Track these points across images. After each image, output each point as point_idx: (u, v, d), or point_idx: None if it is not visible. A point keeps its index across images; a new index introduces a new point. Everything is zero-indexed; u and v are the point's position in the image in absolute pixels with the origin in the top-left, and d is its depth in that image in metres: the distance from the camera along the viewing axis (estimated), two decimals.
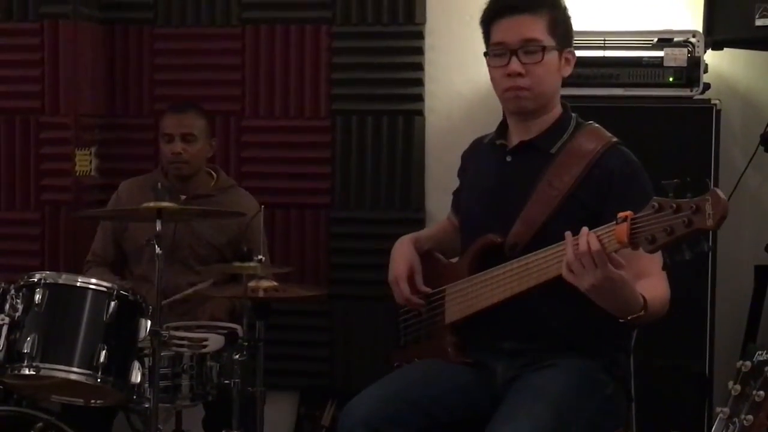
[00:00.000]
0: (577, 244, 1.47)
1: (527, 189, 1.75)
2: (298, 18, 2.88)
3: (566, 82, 1.79)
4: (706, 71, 2.38)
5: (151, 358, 2.13)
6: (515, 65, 1.66)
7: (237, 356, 2.29)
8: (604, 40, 2.44)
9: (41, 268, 2.52)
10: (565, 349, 1.73)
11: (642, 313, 1.52)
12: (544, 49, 1.67)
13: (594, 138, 1.73)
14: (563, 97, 1.80)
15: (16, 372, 2.09)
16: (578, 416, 1.64)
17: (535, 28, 1.68)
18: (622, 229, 1.39)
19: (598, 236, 1.45)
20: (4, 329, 2.07)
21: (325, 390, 2.96)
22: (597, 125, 1.78)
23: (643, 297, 1.52)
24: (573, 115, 1.80)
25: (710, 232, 1.35)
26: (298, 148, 2.91)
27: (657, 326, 1.66)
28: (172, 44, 2.96)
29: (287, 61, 2.88)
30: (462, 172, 2.06)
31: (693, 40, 2.41)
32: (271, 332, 2.42)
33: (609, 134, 1.74)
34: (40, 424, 2.27)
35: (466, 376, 1.89)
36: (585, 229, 1.47)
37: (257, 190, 2.74)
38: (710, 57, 2.43)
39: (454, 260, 2.03)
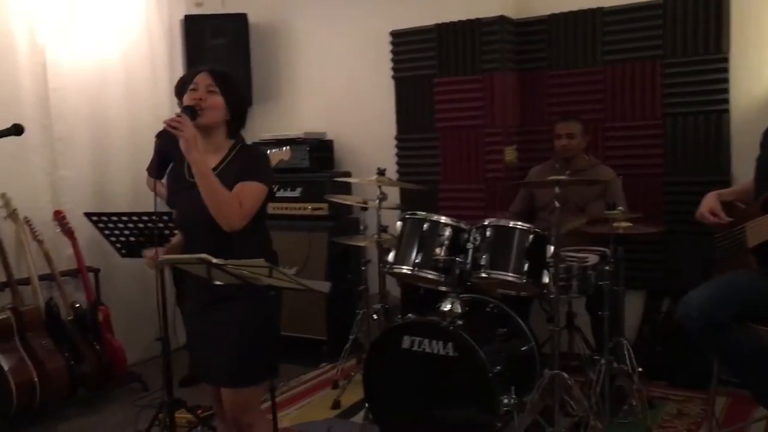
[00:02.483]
0: None
1: None
2: (638, 57, 4.02)
3: None
4: None
5: (553, 268, 2.92)
6: None
7: (606, 267, 3.16)
8: None
9: (484, 217, 3.30)
10: None
11: None
12: None
13: None
14: None
15: (476, 275, 3.04)
16: None
17: None
18: None
19: None
20: (471, 251, 3.08)
21: (662, 290, 4.04)
22: None
23: None
24: None
25: None
26: (638, 138, 4.08)
27: None
28: (559, 80, 4.27)
29: (633, 84, 4.06)
30: (763, 144, 2.70)
31: None
32: (630, 254, 3.40)
33: None
34: (491, 306, 3.25)
35: (765, 282, 2.50)
36: None
37: (615, 166, 3.89)
38: None
39: (750, 204, 2.69)
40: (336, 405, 3.70)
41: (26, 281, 3.83)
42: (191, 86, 2.33)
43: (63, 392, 3.78)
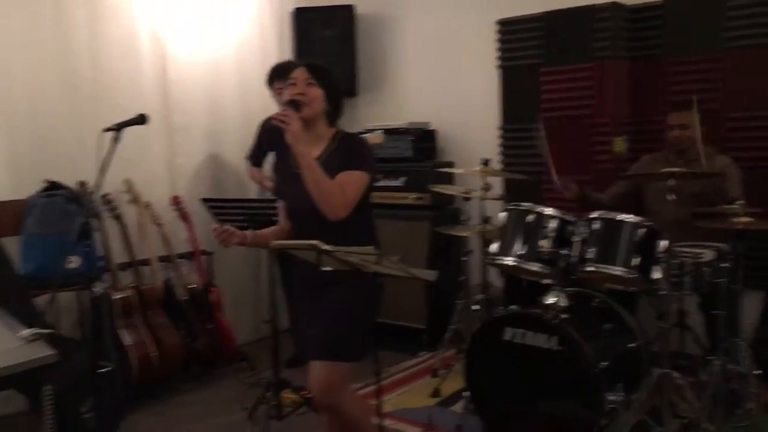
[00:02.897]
0: None
1: None
2: (762, 43, 3.77)
3: None
4: None
5: (665, 264, 2.85)
6: None
7: (723, 264, 3.02)
8: None
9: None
10: None
11: None
12: None
13: None
14: None
15: (582, 268, 3.01)
16: None
17: None
18: None
19: None
20: (577, 244, 3.04)
21: None
22: None
23: None
24: None
25: None
26: (761, 130, 3.83)
27: None
28: (674, 68, 4.07)
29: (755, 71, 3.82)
30: None
31: None
32: (748, 251, 3.17)
33: None
34: (597, 300, 3.19)
35: None
36: None
37: (735, 158, 3.65)
38: None
39: None
40: (435, 393, 3.73)
41: (146, 262, 4.07)
42: (290, 81, 2.44)
43: (178, 367, 4.00)
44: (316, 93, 2.41)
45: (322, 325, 2.39)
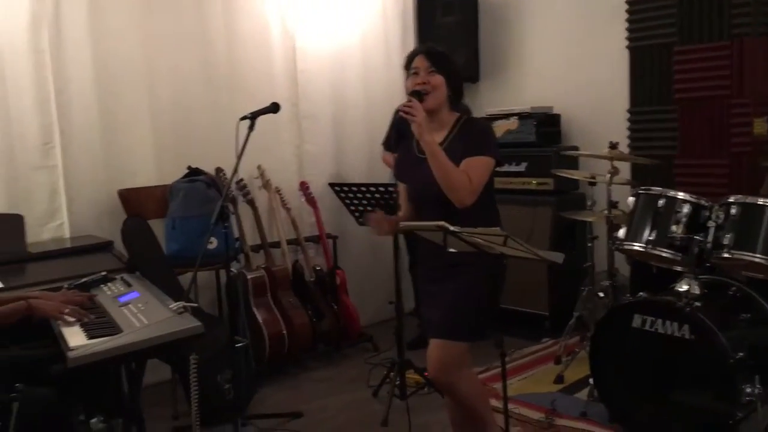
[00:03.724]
0: None
1: None
2: None
3: None
4: None
5: None
6: None
7: None
8: None
9: (728, 194, 3.02)
10: None
11: None
12: None
13: None
14: None
15: (718, 255, 2.88)
16: None
17: None
18: None
19: None
20: (712, 230, 2.92)
21: None
22: None
23: None
24: None
25: None
26: None
27: None
28: None
29: None
30: None
31: None
32: None
33: None
34: (733, 289, 3.01)
35: None
36: None
37: None
38: None
39: None
40: (559, 380, 3.69)
41: (276, 244, 4.28)
42: (412, 71, 2.47)
43: (306, 345, 4.19)
44: (438, 80, 2.43)
45: (442, 305, 2.43)
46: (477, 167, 2.37)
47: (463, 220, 2.16)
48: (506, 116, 4.65)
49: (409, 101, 2.37)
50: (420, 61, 2.46)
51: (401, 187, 2.67)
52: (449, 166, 2.33)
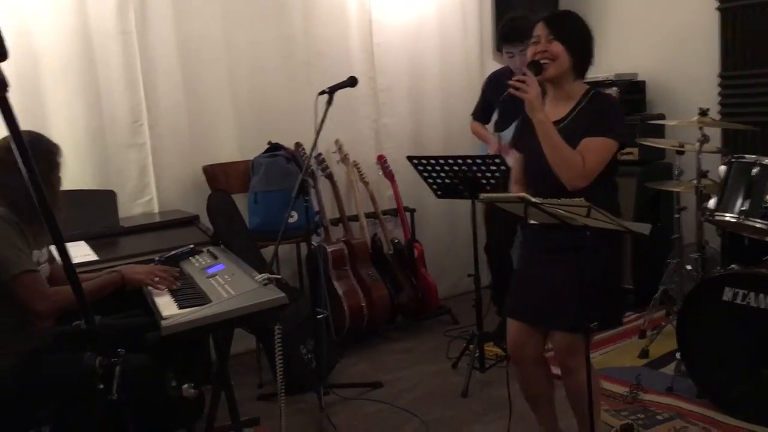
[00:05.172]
0: None
1: None
2: None
3: None
4: None
5: None
6: None
7: None
8: None
9: None
10: None
11: None
12: None
13: None
14: None
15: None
16: None
17: None
18: None
19: None
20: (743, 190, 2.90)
21: None
22: None
23: None
24: None
25: None
26: None
27: None
28: None
29: None
30: None
31: None
32: None
33: None
34: None
35: None
36: None
37: None
38: None
39: None
40: (644, 354, 3.60)
41: (355, 218, 4.33)
42: (533, 39, 2.34)
43: (385, 317, 4.24)
44: (558, 49, 2.28)
45: (559, 296, 2.27)
46: (595, 149, 2.22)
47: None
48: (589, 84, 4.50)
49: (524, 74, 2.25)
50: (540, 29, 2.32)
51: (516, 159, 2.52)
52: (561, 146, 2.20)
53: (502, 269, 3.97)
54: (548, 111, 2.29)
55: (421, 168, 3.48)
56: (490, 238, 4.10)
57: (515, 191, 2.41)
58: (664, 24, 4.60)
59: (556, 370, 2.54)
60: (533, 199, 1.96)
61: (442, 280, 4.76)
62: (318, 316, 3.31)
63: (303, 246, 3.99)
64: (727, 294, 2.82)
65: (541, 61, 2.29)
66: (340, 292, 4.03)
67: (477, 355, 3.53)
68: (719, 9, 4.32)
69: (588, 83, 2.43)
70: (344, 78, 3.12)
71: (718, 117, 4.33)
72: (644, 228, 1.93)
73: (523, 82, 2.22)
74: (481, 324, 3.54)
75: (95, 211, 3.28)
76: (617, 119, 2.33)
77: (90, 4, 3.57)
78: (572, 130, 2.25)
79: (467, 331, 3.80)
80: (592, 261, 2.12)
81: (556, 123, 2.30)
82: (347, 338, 4.04)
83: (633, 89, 4.59)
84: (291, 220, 3.47)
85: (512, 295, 2.52)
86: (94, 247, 3.02)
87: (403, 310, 4.36)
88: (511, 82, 2.25)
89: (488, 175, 3.26)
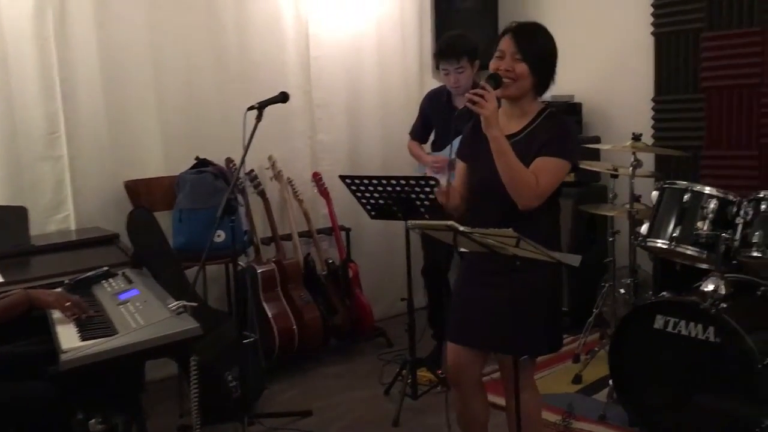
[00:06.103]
0: None
1: None
2: None
3: None
4: None
5: None
6: None
7: None
8: None
9: (758, 188, 2.94)
10: None
11: None
12: None
13: None
14: None
15: (747, 253, 2.77)
16: None
17: None
18: None
19: None
20: (740, 227, 2.78)
21: None
22: None
23: None
24: None
25: None
26: None
27: None
28: None
29: None
30: None
31: None
32: None
33: None
34: (762, 289, 2.86)
35: None
36: None
37: None
38: None
39: None
40: (577, 379, 3.57)
41: (288, 237, 4.18)
42: (497, 53, 2.25)
43: (318, 340, 4.09)
44: (523, 70, 2.18)
45: (504, 320, 2.14)
46: (548, 169, 2.16)
47: (521, 223, 1.99)
48: None
49: (482, 87, 2.12)
50: (506, 44, 2.21)
51: (459, 169, 2.42)
52: (516, 166, 2.12)
53: (439, 292, 3.89)
54: (500, 124, 2.18)
55: (354, 188, 3.37)
56: (426, 260, 4.00)
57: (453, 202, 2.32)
58: (601, 47, 4.64)
59: (492, 398, 2.49)
60: (461, 228, 1.88)
61: (378, 301, 4.65)
62: (245, 341, 3.16)
63: (232, 266, 3.82)
64: (659, 322, 2.80)
65: (503, 79, 2.19)
66: (270, 314, 3.88)
67: (410, 381, 3.43)
68: (654, 34, 4.37)
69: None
70: (278, 92, 3.01)
71: (651, 141, 4.36)
72: (574, 260, 1.87)
73: (481, 96, 2.10)
74: (413, 349, 3.44)
75: (3, 229, 3.06)
76: (572, 141, 2.29)
77: (4, 4, 3.35)
78: (525, 147, 2.18)
79: (401, 355, 3.71)
80: (532, 282, 2.10)
81: (508, 137, 2.20)
82: (278, 363, 3.88)
83: (569, 111, 4.59)
84: (218, 240, 3.32)
85: (452, 317, 2.43)
86: (1, 268, 2.80)
87: (337, 333, 4.23)
88: (468, 94, 2.13)
89: (422, 196, 3.18)
